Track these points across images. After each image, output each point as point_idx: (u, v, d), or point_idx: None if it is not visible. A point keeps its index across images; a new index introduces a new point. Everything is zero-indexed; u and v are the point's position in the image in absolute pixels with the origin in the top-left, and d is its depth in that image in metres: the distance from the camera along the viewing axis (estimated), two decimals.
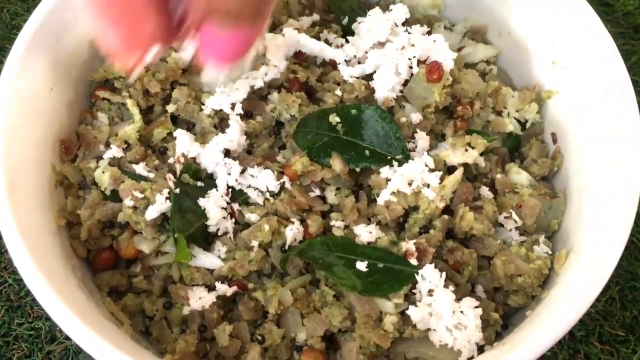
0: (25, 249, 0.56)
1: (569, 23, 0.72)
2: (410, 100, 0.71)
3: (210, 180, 0.68)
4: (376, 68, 0.72)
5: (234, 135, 0.67)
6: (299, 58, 0.74)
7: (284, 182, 0.66)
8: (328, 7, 0.83)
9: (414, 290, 0.62)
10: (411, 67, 0.71)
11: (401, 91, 0.71)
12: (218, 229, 0.66)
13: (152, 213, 0.63)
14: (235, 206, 0.66)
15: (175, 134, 0.69)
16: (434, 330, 0.60)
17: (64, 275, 0.60)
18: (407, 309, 0.61)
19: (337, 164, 0.67)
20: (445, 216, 0.65)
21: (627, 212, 0.59)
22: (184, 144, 0.67)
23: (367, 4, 0.83)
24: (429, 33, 0.76)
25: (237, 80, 0.69)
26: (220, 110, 0.69)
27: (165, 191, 0.64)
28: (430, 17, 0.83)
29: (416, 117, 0.70)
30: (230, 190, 0.67)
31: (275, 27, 0.77)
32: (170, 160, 0.69)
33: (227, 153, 0.68)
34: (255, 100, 0.72)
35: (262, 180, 0.66)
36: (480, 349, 0.62)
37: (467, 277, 0.65)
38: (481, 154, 0.69)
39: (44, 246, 0.61)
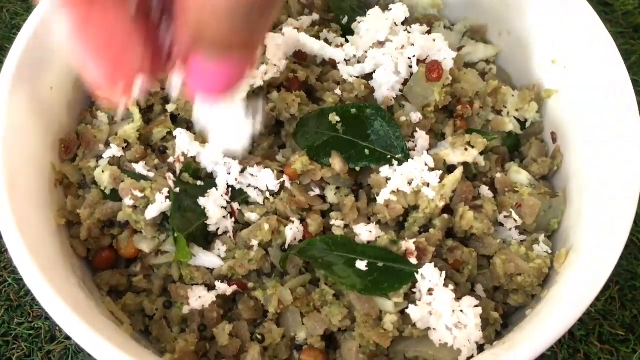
0: (25, 248, 0.56)
1: (569, 22, 0.72)
2: (410, 99, 0.71)
3: (210, 180, 0.68)
4: (376, 67, 0.72)
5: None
6: (299, 57, 0.74)
7: (283, 181, 0.66)
8: (328, 7, 0.83)
9: (413, 290, 0.62)
10: (411, 67, 0.71)
11: (401, 90, 0.71)
12: (218, 228, 0.66)
13: (152, 212, 0.63)
14: (235, 205, 0.66)
15: (175, 133, 0.69)
16: (434, 329, 0.60)
17: (63, 274, 0.60)
18: (407, 308, 0.61)
19: (336, 163, 0.67)
20: (445, 215, 0.65)
21: (627, 211, 0.59)
22: (183, 143, 0.67)
23: (366, 3, 0.83)
24: (429, 32, 0.76)
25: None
26: None
27: (165, 190, 0.64)
28: (430, 16, 0.83)
29: (416, 117, 0.70)
30: (230, 189, 0.67)
31: (275, 27, 0.77)
32: (170, 160, 0.68)
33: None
34: (255, 99, 0.72)
35: (262, 179, 0.66)
36: (480, 348, 0.62)
37: (467, 276, 0.65)
38: (481, 153, 0.69)
39: (44, 245, 0.61)
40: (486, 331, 0.63)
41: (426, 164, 0.65)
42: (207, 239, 0.67)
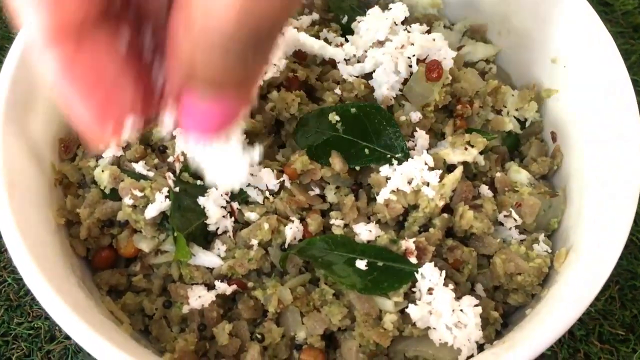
0: (24, 248, 0.56)
1: (569, 22, 0.72)
2: (409, 99, 0.71)
3: None
4: (375, 67, 0.71)
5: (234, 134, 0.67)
6: (299, 57, 0.74)
7: (283, 180, 0.66)
8: (327, 6, 0.83)
9: (413, 289, 0.62)
10: (411, 66, 0.71)
11: (401, 90, 0.71)
12: (217, 228, 0.66)
13: (151, 212, 0.63)
14: (235, 205, 0.66)
15: (174, 132, 0.69)
16: (434, 328, 0.60)
17: (63, 274, 0.60)
18: (406, 307, 0.61)
19: (336, 162, 0.67)
20: (445, 215, 0.65)
21: (626, 211, 0.59)
22: (183, 142, 0.67)
23: (366, 2, 0.83)
24: (429, 32, 0.76)
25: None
26: None
27: (165, 190, 0.64)
28: (430, 15, 0.83)
29: (416, 116, 0.70)
30: None
31: None
32: (170, 159, 0.68)
33: None
34: (254, 99, 0.72)
35: (261, 179, 0.66)
36: (480, 348, 0.62)
37: (466, 276, 0.65)
38: (481, 153, 0.69)
39: (44, 245, 0.60)
40: (486, 330, 0.63)
41: (426, 164, 0.65)
42: (206, 239, 0.67)
